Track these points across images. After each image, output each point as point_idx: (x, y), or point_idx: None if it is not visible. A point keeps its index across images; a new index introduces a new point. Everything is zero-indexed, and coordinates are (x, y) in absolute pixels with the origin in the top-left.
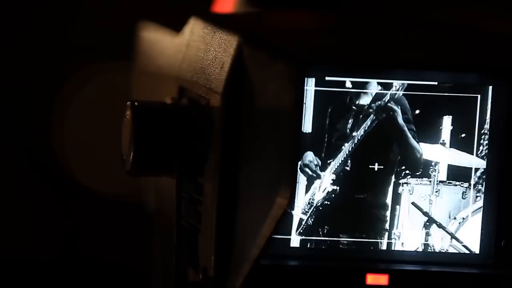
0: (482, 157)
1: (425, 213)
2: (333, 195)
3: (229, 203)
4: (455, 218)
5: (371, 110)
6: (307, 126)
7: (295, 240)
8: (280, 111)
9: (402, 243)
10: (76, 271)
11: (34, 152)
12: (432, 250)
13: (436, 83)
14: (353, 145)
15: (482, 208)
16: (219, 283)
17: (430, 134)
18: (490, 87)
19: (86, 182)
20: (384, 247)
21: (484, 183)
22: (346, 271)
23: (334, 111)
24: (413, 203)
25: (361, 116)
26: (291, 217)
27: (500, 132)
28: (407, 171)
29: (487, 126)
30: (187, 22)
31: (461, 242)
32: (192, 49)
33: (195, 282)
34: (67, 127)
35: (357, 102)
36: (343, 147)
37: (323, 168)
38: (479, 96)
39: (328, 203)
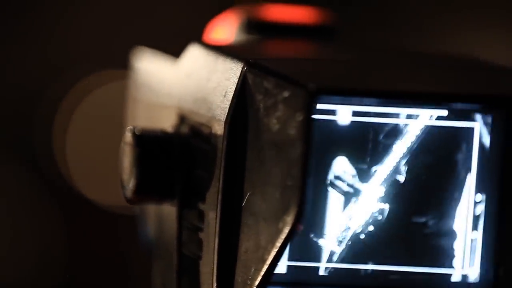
0: None
1: None
2: (380, 218)
3: (232, 230)
4: None
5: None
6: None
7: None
8: (287, 138)
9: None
10: None
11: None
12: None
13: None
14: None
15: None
16: None
17: None
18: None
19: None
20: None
21: None
22: None
23: None
24: None
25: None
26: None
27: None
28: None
29: None
30: (186, 48)
31: None
32: (193, 77)
33: None
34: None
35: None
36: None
37: (364, 178)
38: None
39: (373, 228)
